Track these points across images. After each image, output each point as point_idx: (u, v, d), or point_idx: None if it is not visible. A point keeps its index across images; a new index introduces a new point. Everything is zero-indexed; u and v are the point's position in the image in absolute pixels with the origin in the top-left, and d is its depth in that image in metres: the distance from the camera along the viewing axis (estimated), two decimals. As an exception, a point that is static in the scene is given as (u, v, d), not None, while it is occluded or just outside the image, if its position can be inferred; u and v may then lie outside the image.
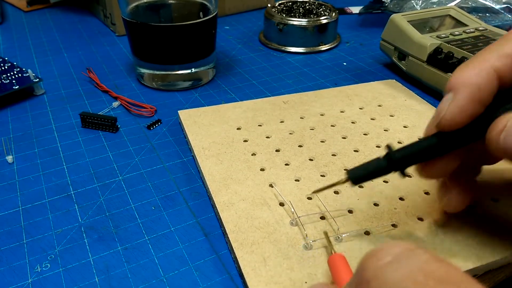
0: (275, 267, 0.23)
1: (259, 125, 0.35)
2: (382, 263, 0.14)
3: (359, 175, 0.23)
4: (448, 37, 0.41)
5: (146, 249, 0.25)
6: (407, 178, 0.29)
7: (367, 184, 0.28)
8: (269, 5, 0.54)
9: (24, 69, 0.42)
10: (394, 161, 0.22)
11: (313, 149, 0.32)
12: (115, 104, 0.39)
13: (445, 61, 0.38)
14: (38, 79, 0.40)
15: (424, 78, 0.41)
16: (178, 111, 0.36)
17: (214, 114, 0.36)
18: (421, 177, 0.23)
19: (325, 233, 0.24)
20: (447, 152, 0.22)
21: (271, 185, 0.28)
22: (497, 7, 0.53)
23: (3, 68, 0.42)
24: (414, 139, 0.33)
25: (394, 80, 0.42)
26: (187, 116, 0.35)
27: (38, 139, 0.35)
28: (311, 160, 0.31)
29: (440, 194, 0.25)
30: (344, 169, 0.29)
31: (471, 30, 0.42)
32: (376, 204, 0.27)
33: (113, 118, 0.35)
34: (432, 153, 0.22)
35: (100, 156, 0.33)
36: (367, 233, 0.25)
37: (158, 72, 0.41)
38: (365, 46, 0.53)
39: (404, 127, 0.35)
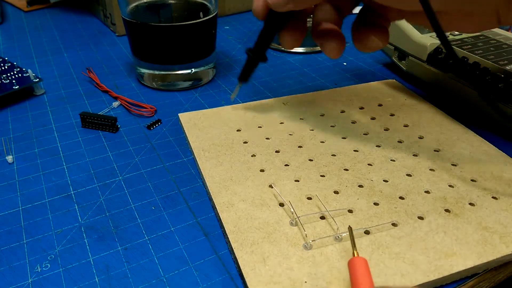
0: (275, 267, 0.23)
1: (259, 127, 0.35)
2: None
3: (242, 74, 0.34)
4: (448, 37, 0.41)
5: (146, 249, 0.25)
6: (407, 177, 0.29)
7: (367, 184, 0.28)
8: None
9: (24, 69, 0.42)
10: (253, 50, 0.32)
11: (313, 150, 0.32)
12: (115, 104, 0.39)
13: (445, 61, 0.38)
14: (38, 79, 0.40)
15: (424, 78, 0.41)
16: (179, 114, 0.36)
17: (214, 116, 0.36)
18: (290, 48, 0.31)
19: (350, 229, 0.23)
20: (278, 26, 0.30)
21: (270, 186, 0.28)
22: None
23: (3, 68, 0.42)
24: (415, 138, 0.33)
25: (394, 80, 0.42)
26: (187, 119, 0.35)
27: (38, 139, 0.35)
28: (310, 160, 0.31)
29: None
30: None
31: (471, 30, 0.42)
32: (376, 204, 0.27)
33: (113, 118, 0.35)
34: (271, 29, 0.30)
35: (100, 156, 0.33)
36: (367, 232, 0.25)
37: (158, 72, 0.41)
38: (365, 46, 0.53)
39: (405, 126, 0.35)
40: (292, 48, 0.31)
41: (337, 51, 0.29)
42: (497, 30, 0.42)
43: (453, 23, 0.25)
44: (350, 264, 0.21)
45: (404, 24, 0.43)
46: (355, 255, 0.22)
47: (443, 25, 0.25)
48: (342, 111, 0.37)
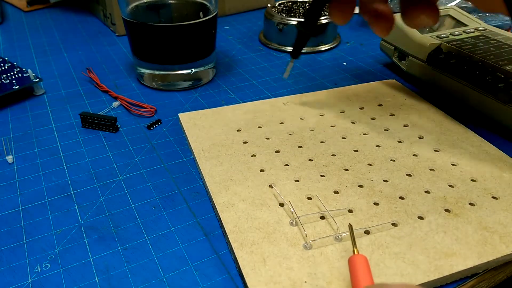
0: (275, 267, 0.23)
1: (259, 127, 0.35)
2: None
3: (294, 51, 0.34)
4: (448, 37, 0.41)
5: (146, 249, 0.25)
6: (407, 177, 0.29)
7: (367, 184, 0.28)
8: (269, 5, 0.54)
9: (24, 69, 0.42)
10: (303, 24, 0.32)
11: (313, 150, 0.32)
12: (115, 104, 0.39)
13: (445, 61, 0.38)
14: (38, 79, 0.40)
15: (424, 78, 0.41)
16: (179, 114, 0.36)
17: (214, 116, 0.36)
18: (341, 23, 0.30)
19: (350, 227, 0.24)
20: None
21: (270, 186, 0.28)
22: (497, 7, 0.53)
23: (3, 68, 0.42)
24: (415, 138, 0.33)
25: (394, 80, 0.42)
26: (187, 119, 0.35)
27: (38, 139, 0.35)
28: (310, 160, 0.31)
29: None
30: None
31: (471, 30, 0.42)
32: (376, 204, 0.27)
33: (113, 118, 0.35)
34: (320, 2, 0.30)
35: (100, 156, 0.33)
36: (367, 232, 0.25)
37: (158, 72, 0.41)
38: (365, 46, 0.53)
39: (405, 126, 0.35)
40: (343, 23, 0.31)
41: (388, 31, 0.29)
42: (497, 30, 0.42)
43: None
44: (350, 262, 0.21)
45: (404, 24, 0.43)
46: (356, 253, 0.22)
47: (498, 5, 0.25)
48: (342, 111, 0.37)
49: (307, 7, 0.54)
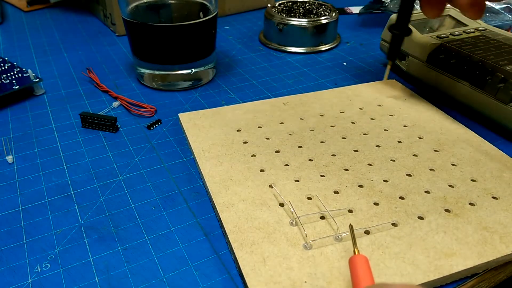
0: (275, 267, 0.23)
1: (259, 127, 0.35)
2: None
3: (390, 53, 0.36)
4: (448, 37, 0.41)
5: (146, 249, 0.25)
6: (407, 177, 0.29)
7: (367, 184, 0.28)
8: (269, 5, 0.54)
9: (24, 69, 0.42)
10: (396, 26, 0.34)
11: (313, 150, 0.32)
12: (115, 104, 0.39)
13: (445, 61, 0.38)
14: (38, 79, 0.40)
15: (424, 78, 0.41)
16: (179, 114, 0.36)
17: (214, 116, 0.36)
18: (433, 17, 0.33)
19: (351, 227, 0.24)
20: None
21: (270, 186, 0.28)
22: (497, 7, 0.53)
23: (3, 68, 0.42)
24: (414, 138, 0.33)
25: (394, 80, 0.42)
26: (187, 119, 0.35)
27: (38, 139, 0.35)
28: (310, 160, 0.31)
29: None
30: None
31: (471, 30, 0.42)
32: (376, 204, 0.27)
33: (113, 118, 0.35)
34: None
35: (100, 156, 0.33)
36: (367, 232, 0.25)
37: (158, 72, 0.41)
38: (365, 46, 0.53)
39: (404, 126, 0.35)
40: (435, 17, 0.33)
41: (481, 14, 0.31)
42: (497, 30, 0.42)
43: None
44: (351, 262, 0.21)
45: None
46: (356, 253, 0.22)
47: None
48: (342, 111, 0.37)
49: (307, 7, 0.54)
